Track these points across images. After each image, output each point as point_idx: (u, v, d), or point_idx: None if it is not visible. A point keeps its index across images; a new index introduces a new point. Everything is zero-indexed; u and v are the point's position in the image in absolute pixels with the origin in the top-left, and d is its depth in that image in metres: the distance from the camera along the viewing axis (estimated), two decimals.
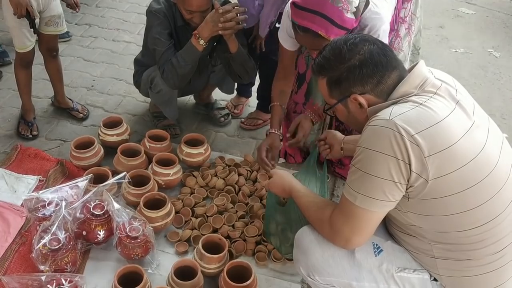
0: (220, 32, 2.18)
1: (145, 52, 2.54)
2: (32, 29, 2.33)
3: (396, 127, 1.22)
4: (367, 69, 1.32)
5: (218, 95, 2.89)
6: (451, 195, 1.25)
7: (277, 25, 2.39)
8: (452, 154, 1.23)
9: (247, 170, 2.38)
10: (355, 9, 1.69)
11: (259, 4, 2.35)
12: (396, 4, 2.03)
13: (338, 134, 1.93)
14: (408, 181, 1.25)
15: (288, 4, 1.90)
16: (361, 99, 1.34)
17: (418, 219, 1.34)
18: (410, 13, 2.09)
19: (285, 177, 1.73)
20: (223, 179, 2.30)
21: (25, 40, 2.37)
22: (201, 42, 2.22)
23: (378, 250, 1.45)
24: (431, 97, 1.29)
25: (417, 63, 1.38)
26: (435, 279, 1.42)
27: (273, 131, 2.24)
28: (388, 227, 1.53)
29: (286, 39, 2.07)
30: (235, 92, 2.91)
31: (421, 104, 1.27)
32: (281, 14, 2.33)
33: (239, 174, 2.35)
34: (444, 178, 1.23)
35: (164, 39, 2.30)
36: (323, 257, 1.46)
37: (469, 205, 1.27)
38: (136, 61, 2.64)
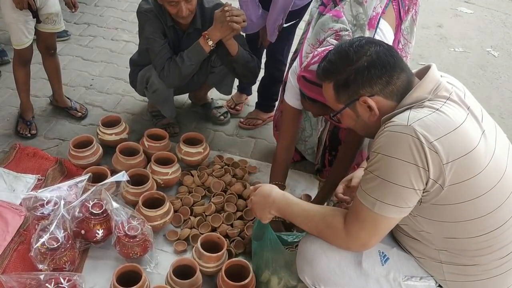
0: (228, 34, 2.19)
1: (141, 52, 2.53)
2: (34, 19, 2.34)
3: (416, 133, 1.20)
4: (375, 70, 1.29)
5: (217, 95, 2.89)
6: (463, 202, 1.25)
7: (285, 24, 2.42)
8: (469, 161, 1.22)
9: (242, 169, 2.38)
10: None
11: (262, 13, 2.37)
12: (395, 35, 2.04)
13: (360, 172, 1.74)
14: (425, 187, 1.24)
15: (294, 68, 1.95)
16: (371, 102, 1.32)
17: (427, 224, 1.33)
18: (407, 41, 2.09)
19: (273, 188, 1.57)
20: (218, 178, 2.30)
21: (22, 37, 2.37)
22: (210, 43, 2.23)
23: (385, 259, 1.44)
24: (445, 102, 1.27)
25: (429, 67, 1.35)
26: (440, 286, 1.42)
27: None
28: (394, 233, 1.51)
29: (295, 99, 1.97)
30: (236, 89, 2.93)
31: (437, 109, 1.25)
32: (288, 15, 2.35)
33: (235, 174, 2.35)
34: (459, 185, 1.23)
35: (158, 38, 2.30)
36: (329, 266, 1.44)
37: (479, 212, 1.26)
38: (132, 61, 2.64)
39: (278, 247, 1.69)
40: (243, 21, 2.19)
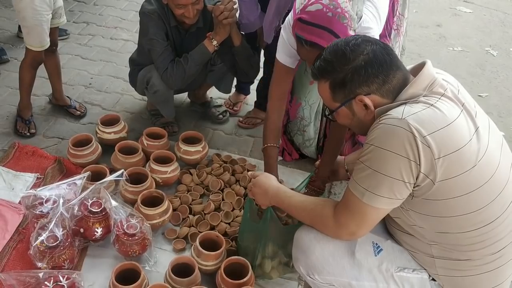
0: (228, 29, 2.24)
1: (140, 51, 2.54)
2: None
3: (409, 126, 1.21)
4: (372, 69, 1.30)
5: (215, 94, 2.89)
6: (455, 197, 1.26)
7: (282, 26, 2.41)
8: (460, 157, 1.23)
9: (241, 166, 2.38)
10: (356, 26, 1.70)
11: (260, 14, 2.37)
12: (388, 15, 2.04)
13: (338, 158, 1.95)
14: (416, 181, 1.25)
15: (287, 21, 1.90)
16: (367, 100, 1.32)
17: (419, 219, 1.34)
18: (398, 13, 2.09)
19: (270, 179, 1.65)
20: (217, 177, 2.30)
21: (45, 37, 2.38)
22: (214, 43, 2.28)
23: (378, 250, 1.45)
24: (439, 98, 1.29)
25: (424, 64, 1.36)
26: (433, 279, 1.43)
27: None
28: (388, 226, 1.53)
29: (287, 56, 1.97)
30: (233, 90, 2.92)
31: (432, 105, 1.26)
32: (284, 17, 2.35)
33: (234, 171, 2.35)
34: (450, 181, 1.24)
35: (161, 40, 2.31)
36: (323, 256, 1.46)
37: (471, 207, 1.27)
38: (131, 60, 2.64)
39: (278, 225, 1.73)
40: (233, 8, 2.21)
